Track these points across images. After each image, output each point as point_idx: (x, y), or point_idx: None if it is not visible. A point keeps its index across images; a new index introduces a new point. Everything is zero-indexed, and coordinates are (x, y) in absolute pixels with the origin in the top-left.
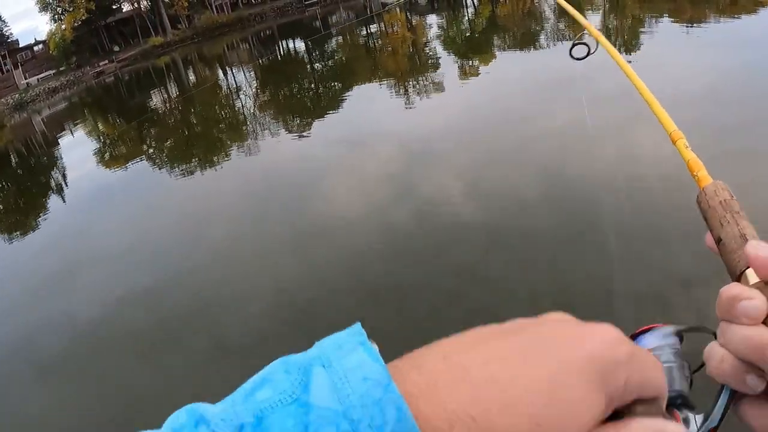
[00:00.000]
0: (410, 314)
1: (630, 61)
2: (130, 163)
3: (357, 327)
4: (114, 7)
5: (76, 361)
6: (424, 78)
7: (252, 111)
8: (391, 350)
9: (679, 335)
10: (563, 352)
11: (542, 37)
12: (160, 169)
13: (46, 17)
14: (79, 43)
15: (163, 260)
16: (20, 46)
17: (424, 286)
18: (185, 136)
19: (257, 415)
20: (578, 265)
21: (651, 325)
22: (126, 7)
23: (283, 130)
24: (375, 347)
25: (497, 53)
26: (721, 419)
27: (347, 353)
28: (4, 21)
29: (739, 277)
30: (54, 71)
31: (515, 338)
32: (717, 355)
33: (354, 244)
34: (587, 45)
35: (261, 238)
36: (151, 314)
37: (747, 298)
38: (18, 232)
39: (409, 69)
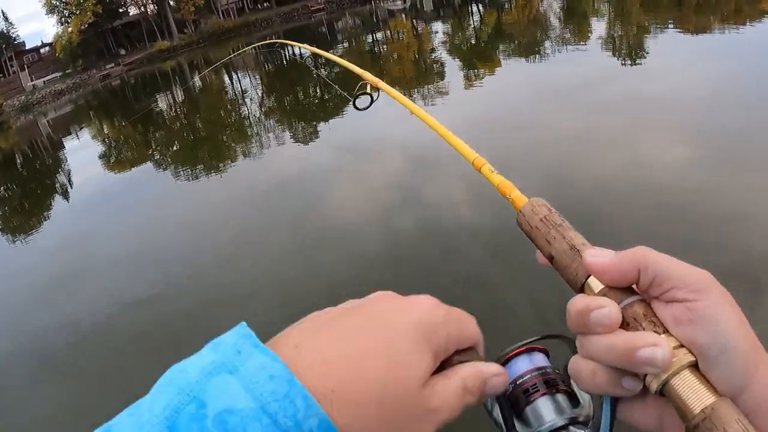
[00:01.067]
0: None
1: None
2: (135, 167)
3: (244, 328)
4: (121, 10)
5: (79, 365)
6: (429, 84)
7: (257, 116)
8: None
9: (545, 352)
10: (393, 323)
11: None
12: (165, 173)
13: (53, 20)
14: (85, 46)
15: (167, 265)
16: (27, 48)
17: (430, 293)
18: (191, 141)
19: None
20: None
21: (515, 349)
22: (133, 11)
23: (288, 135)
24: (265, 347)
25: (503, 61)
26: (610, 427)
27: (247, 357)
28: (11, 23)
29: (582, 288)
30: (60, 74)
31: (352, 317)
32: (587, 370)
33: (360, 250)
34: (369, 94)
35: (266, 244)
36: (156, 319)
37: (597, 307)
38: (23, 235)
39: (414, 75)
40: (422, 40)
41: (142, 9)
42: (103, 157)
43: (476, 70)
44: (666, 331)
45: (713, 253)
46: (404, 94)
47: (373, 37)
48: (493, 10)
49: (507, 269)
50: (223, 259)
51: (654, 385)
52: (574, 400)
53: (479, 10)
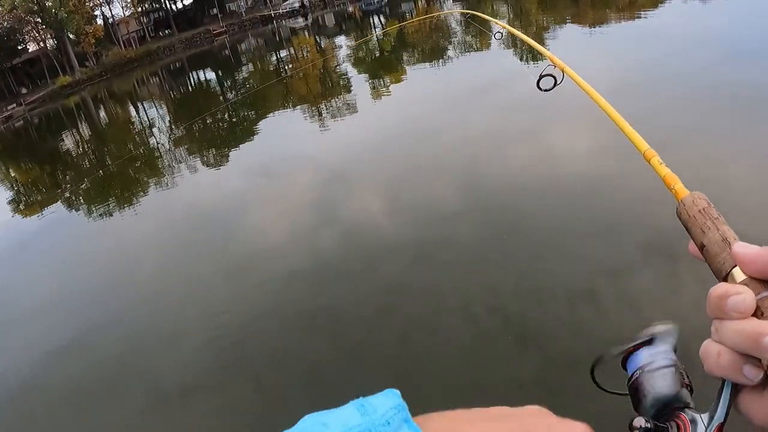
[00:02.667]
0: (346, 336)
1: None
2: (46, 210)
3: (397, 398)
4: (19, 47)
5: (6, 423)
6: (336, 100)
7: (167, 145)
8: (329, 373)
9: (672, 337)
10: None
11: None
12: (77, 212)
13: None
14: None
15: (90, 308)
16: None
17: (356, 305)
18: (101, 177)
19: None
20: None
21: (640, 341)
22: (32, 47)
23: (200, 162)
24: (416, 425)
25: (408, 70)
26: (726, 414)
27: (395, 430)
28: None
29: (725, 278)
30: None
31: (503, 424)
32: (713, 351)
33: (282, 270)
34: (554, 76)
35: (188, 275)
36: (84, 365)
37: (735, 293)
38: None
39: (322, 92)
40: (326, 55)
41: (41, 44)
42: (12, 202)
43: (382, 80)
44: None
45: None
46: (311, 111)
47: (277, 55)
48: (394, 20)
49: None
50: (146, 296)
51: None
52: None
53: (381, 22)
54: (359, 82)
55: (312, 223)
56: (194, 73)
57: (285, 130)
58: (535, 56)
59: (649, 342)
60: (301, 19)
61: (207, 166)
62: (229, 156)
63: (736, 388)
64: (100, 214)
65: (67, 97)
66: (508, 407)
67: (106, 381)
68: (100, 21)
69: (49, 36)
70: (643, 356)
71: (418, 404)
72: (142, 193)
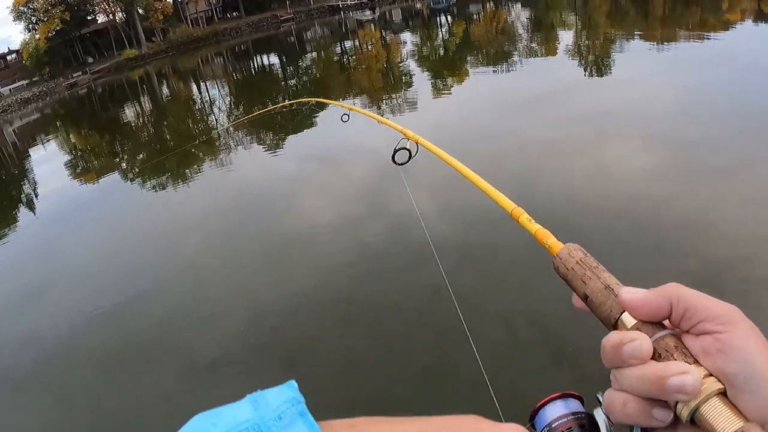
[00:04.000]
0: (384, 332)
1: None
2: (101, 178)
3: (293, 391)
4: (89, 18)
5: (43, 381)
6: (397, 94)
7: (225, 126)
8: (361, 366)
9: (581, 399)
10: None
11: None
12: (131, 183)
13: (20, 26)
14: (52, 53)
15: (134, 278)
16: None
17: (398, 302)
18: (157, 150)
19: None
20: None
21: (550, 397)
22: (101, 19)
23: (256, 145)
24: (312, 419)
25: (471, 71)
26: None
27: (287, 426)
28: None
29: (615, 325)
30: (27, 81)
31: (428, 425)
32: (618, 401)
33: (328, 261)
34: (407, 149)
35: (234, 255)
36: (122, 334)
37: (631, 340)
38: None
39: (383, 85)
40: (391, 50)
41: (111, 17)
42: (70, 167)
43: (444, 80)
44: (696, 361)
45: (680, 259)
46: (376, 106)
47: (342, 46)
48: (461, 20)
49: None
50: (190, 272)
51: (685, 413)
52: None
53: (447, 21)
54: (420, 78)
55: (361, 215)
56: (258, 56)
57: (342, 121)
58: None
59: (562, 398)
60: (368, 12)
61: (263, 149)
62: (285, 141)
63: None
64: (153, 187)
65: (132, 70)
66: (440, 417)
67: (142, 349)
68: None
69: (118, 9)
70: (551, 412)
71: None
72: (196, 170)
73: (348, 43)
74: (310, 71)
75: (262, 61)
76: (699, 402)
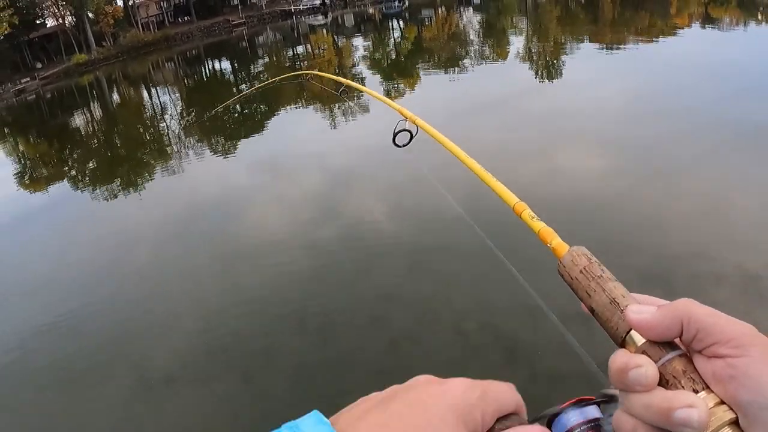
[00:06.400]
0: (336, 340)
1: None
2: (51, 186)
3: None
4: (38, 22)
5: None
6: (348, 99)
7: (176, 132)
8: (319, 375)
9: (599, 405)
10: (430, 409)
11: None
12: (81, 192)
13: None
14: (0, 58)
15: (84, 289)
16: None
17: (349, 309)
18: (108, 158)
19: None
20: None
21: (571, 400)
22: (50, 23)
23: (207, 152)
24: None
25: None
26: None
27: None
28: None
29: (623, 342)
30: None
31: (394, 404)
32: (628, 426)
33: (279, 267)
34: (408, 131)
35: (184, 264)
36: (73, 347)
37: (635, 366)
38: None
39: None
40: (343, 54)
41: (60, 21)
42: (17, 175)
43: (396, 84)
44: (706, 387)
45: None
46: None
47: (294, 51)
48: (413, 25)
49: None
50: (141, 282)
51: None
52: None
53: (399, 26)
54: (373, 82)
55: (312, 222)
56: (210, 61)
57: (293, 127)
58: None
59: (580, 404)
60: (320, 17)
61: (214, 156)
62: (236, 149)
63: None
64: (103, 196)
65: (82, 75)
66: (398, 385)
67: (95, 364)
68: (120, 2)
69: (68, 13)
70: (567, 420)
71: None
72: (147, 178)
73: (300, 48)
74: (262, 76)
75: (213, 67)
76: None
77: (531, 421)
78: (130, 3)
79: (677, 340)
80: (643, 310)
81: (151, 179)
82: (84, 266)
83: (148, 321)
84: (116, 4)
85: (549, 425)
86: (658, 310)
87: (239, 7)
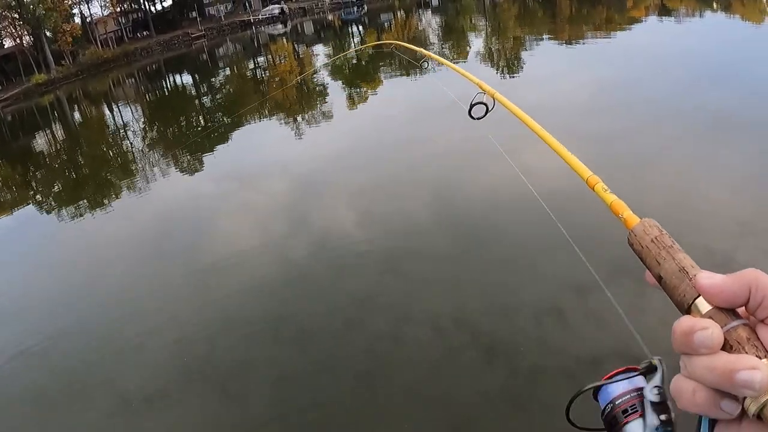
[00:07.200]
0: (312, 347)
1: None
2: (15, 210)
3: None
4: None
5: None
6: (312, 108)
7: (141, 149)
8: (294, 384)
9: (645, 373)
10: None
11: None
12: (48, 215)
13: None
14: None
15: (54, 312)
16: None
17: (323, 316)
18: (73, 179)
19: None
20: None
21: (619, 369)
22: (8, 43)
23: (174, 167)
24: None
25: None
26: None
27: None
28: None
29: (688, 309)
30: None
31: None
32: (687, 389)
33: (250, 280)
34: (485, 104)
35: (155, 282)
36: (47, 371)
37: (701, 328)
38: None
39: (297, 99)
40: (304, 62)
41: (18, 41)
42: None
43: (359, 90)
44: None
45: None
46: (291, 117)
47: (254, 61)
48: (373, 29)
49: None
50: (113, 302)
51: (752, 408)
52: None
53: (359, 31)
54: (334, 89)
55: (281, 232)
56: (171, 76)
57: (258, 138)
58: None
59: (625, 373)
60: (280, 26)
61: (179, 171)
62: (201, 162)
63: (714, 421)
64: (70, 217)
65: (42, 96)
66: None
67: (70, 387)
68: (78, 19)
69: (25, 32)
70: (615, 389)
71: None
72: (113, 197)
73: (261, 58)
74: (224, 88)
75: (175, 81)
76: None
77: (574, 396)
78: (87, 20)
79: (741, 311)
80: (714, 276)
81: (117, 198)
82: (52, 290)
83: (121, 341)
84: (74, 21)
85: (595, 396)
86: (728, 276)
87: (198, 19)
